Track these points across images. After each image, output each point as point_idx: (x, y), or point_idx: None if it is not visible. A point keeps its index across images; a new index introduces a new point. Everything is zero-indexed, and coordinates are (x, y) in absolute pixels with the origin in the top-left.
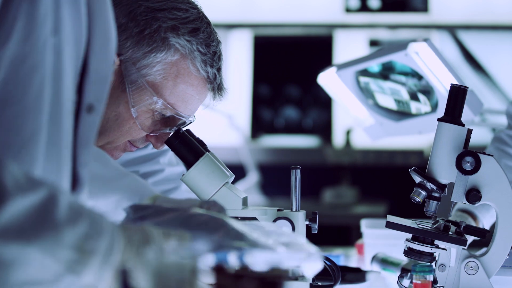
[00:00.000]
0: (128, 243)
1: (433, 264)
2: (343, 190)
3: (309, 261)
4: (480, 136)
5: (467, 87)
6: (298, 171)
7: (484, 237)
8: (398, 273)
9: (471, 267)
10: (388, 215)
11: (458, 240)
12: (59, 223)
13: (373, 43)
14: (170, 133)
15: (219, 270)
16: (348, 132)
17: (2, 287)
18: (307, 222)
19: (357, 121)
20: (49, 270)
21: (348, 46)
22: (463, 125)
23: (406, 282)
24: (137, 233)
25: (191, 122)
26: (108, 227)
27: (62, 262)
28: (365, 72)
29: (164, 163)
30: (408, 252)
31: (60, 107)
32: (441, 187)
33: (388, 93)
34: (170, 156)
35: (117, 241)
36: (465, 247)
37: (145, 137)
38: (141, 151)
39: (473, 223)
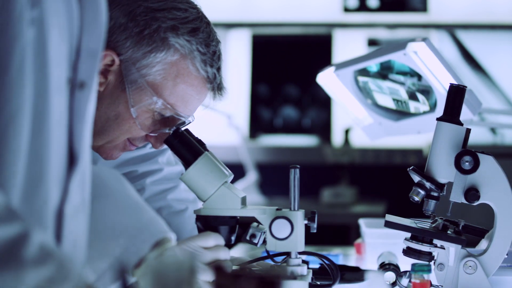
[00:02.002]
0: None
1: (431, 263)
2: (342, 189)
3: None
4: (479, 136)
5: (466, 87)
6: (297, 171)
7: (483, 237)
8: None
9: (470, 266)
10: (387, 215)
11: (457, 239)
12: (25, 263)
13: (372, 42)
14: (170, 133)
15: (218, 269)
16: (347, 132)
17: None
18: (306, 222)
19: (356, 121)
20: None
21: (347, 46)
22: (461, 124)
23: (405, 281)
24: None
25: (190, 122)
26: (75, 274)
27: None
28: (364, 72)
29: (162, 163)
30: (407, 251)
31: (46, 83)
32: (440, 186)
33: (386, 93)
34: (168, 155)
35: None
36: (464, 246)
37: (144, 136)
38: (139, 150)
39: None
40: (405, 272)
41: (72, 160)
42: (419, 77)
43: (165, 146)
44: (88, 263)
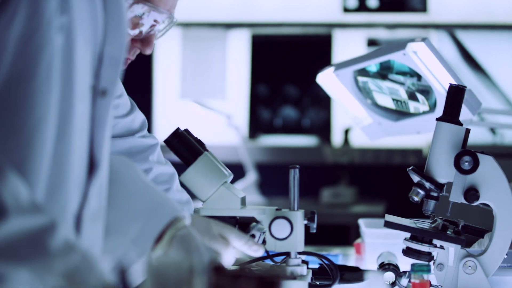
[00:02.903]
0: None
1: (431, 263)
2: (342, 189)
3: None
4: (479, 136)
5: (466, 87)
6: (297, 171)
7: (482, 237)
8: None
9: (469, 266)
10: (386, 215)
11: (456, 239)
12: (52, 252)
13: (372, 42)
14: (154, 34)
15: (217, 269)
16: (346, 132)
17: None
18: (305, 222)
19: (355, 121)
20: None
21: (347, 46)
22: (461, 124)
23: (404, 281)
24: None
25: (172, 23)
26: (98, 267)
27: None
28: (363, 72)
29: (153, 161)
30: (407, 251)
31: (71, 90)
32: (440, 186)
33: (386, 93)
34: (158, 153)
35: (103, 282)
36: (463, 246)
37: (131, 44)
38: (126, 141)
39: None
40: (405, 272)
41: (92, 166)
42: (419, 77)
43: (154, 142)
44: (105, 248)
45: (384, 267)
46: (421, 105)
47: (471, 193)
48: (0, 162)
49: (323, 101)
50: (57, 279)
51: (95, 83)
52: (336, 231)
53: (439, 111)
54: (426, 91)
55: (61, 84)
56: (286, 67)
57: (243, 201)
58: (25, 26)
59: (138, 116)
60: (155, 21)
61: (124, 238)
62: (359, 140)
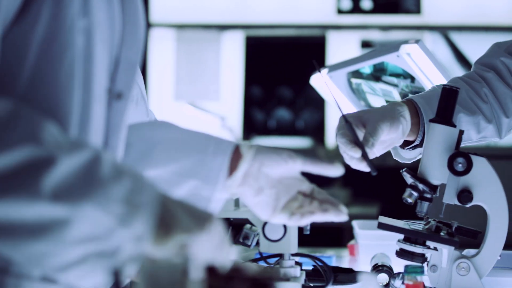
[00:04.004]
0: (166, 198)
1: (425, 265)
2: (335, 191)
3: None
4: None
5: (459, 88)
6: None
7: (476, 238)
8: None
9: (463, 268)
10: (380, 216)
11: (450, 241)
12: (106, 180)
13: (365, 44)
14: None
15: (211, 271)
16: None
17: (59, 247)
18: None
19: None
20: (102, 225)
21: (341, 48)
22: (454, 126)
23: (398, 283)
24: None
25: None
26: (149, 183)
27: (114, 215)
28: (357, 74)
29: None
30: (400, 253)
31: (90, 92)
32: (433, 188)
33: (380, 95)
34: None
35: (158, 195)
36: (457, 248)
37: None
38: None
39: None
40: (398, 273)
41: None
42: (412, 79)
43: None
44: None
45: (377, 268)
46: None
47: (465, 194)
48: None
49: (317, 103)
50: (118, 205)
51: (111, 86)
52: (330, 233)
53: None
54: (420, 93)
55: (82, 86)
56: (280, 69)
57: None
58: (48, 28)
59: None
60: None
61: (203, 155)
62: None
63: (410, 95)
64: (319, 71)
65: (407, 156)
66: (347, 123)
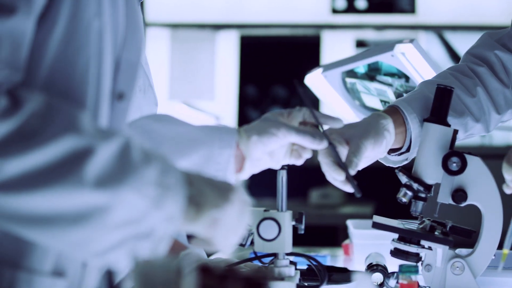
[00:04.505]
0: (189, 176)
1: (419, 264)
2: (330, 190)
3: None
4: None
5: (453, 88)
6: (285, 172)
7: (470, 238)
8: None
9: (457, 267)
10: (374, 216)
11: (444, 240)
12: (138, 164)
13: (360, 44)
14: None
15: (205, 270)
16: None
17: (100, 233)
18: (293, 223)
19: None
20: (138, 208)
21: (335, 47)
22: (449, 125)
23: (392, 282)
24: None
25: None
26: (173, 164)
27: (149, 198)
28: (351, 73)
29: None
30: (395, 252)
31: (100, 91)
32: (427, 187)
33: (374, 94)
34: None
35: (183, 174)
36: (451, 247)
37: None
38: None
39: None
40: (393, 273)
41: None
42: (407, 78)
43: None
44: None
45: (372, 268)
46: None
47: (459, 194)
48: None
49: (312, 102)
50: (151, 188)
51: (113, 86)
52: (325, 232)
53: None
54: None
55: (96, 86)
56: (274, 68)
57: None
58: (66, 29)
59: None
60: None
61: (210, 150)
62: None
63: (396, 100)
64: (299, 90)
65: (393, 159)
66: (331, 145)
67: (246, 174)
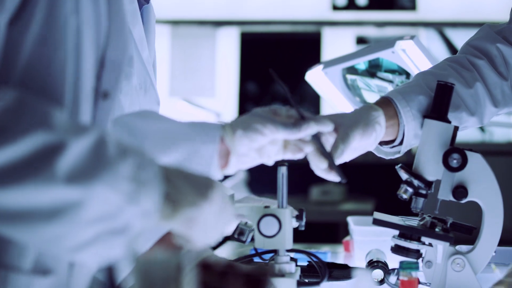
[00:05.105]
0: (167, 171)
1: (419, 260)
2: (331, 187)
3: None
4: (468, 133)
5: (454, 84)
6: (285, 168)
7: (471, 234)
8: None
9: (458, 263)
10: (375, 212)
11: (445, 236)
12: (113, 159)
13: (361, 40)
14: None
15: (205, 267)
16: None
17: (74, 229)
18: (294, 219)
19: None
20: (112, 203)
21: (336, 44)
22: (449, 122)
23: (393, 279)
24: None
25: None
26: (151, 158)
27: (123, 193)
28: (352, 70)
29: None
30: (395, 249)
31: (80, 91)
32: (428, 184)
33: (375, 91)
34: None
35: (160, 169)
36: (451, 244)
37: None
38: None
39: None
40: (393, 269)
41: None
42: (408, 75)
43: None
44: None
45: (372, 264)
46: None
47: (460, 190)
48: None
49: (312, 99)
50: (126, 183)
51: (97, 85)
52: (325, 229)
53: None
54: None
55: (73, 84)
56: (275, 65)
57: (231, 199)
58: (42, 28)
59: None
60: None
61: (193, 145)
62: None
63: (389, 91)
64: (277, 81)
65: (386, 151)
66: (313, 137)
67: (232, 170)
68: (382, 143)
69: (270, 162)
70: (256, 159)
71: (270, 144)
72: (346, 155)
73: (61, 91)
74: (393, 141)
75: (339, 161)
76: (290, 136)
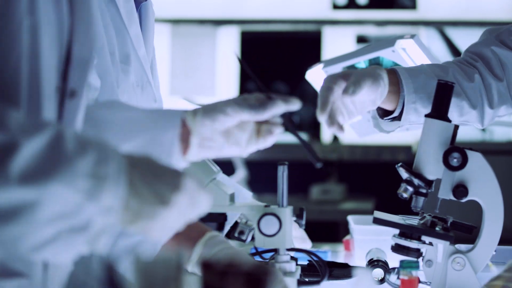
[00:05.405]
0: (132, 165)
1: (420, 260)
2: (331, 186)
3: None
4: (468, 132)
5: (454, 83)
6: (285, 167)
7: (471, 233)
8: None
9: (458, 262)
10: (375, 211)
11: (445, 236)
12: (71, 155)
13: (361, 39)
14: None
15: (206, 266)
16: None
17: (31, 229)
18: (294, 218)
19: None
20: (71, 202)
21: (336, 43)
22: (450, 121)
23: (393, 278)
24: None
25: None
26: (114, 151)
27: (81, 191)
28: (352, 69)
29: None
30: (395, 248)
31: (39, 90)
32: (428, 183)
33: None
34: None
35: (123, 163)
36: (452, 243)
37: None
38: None
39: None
40: (394, 268)
41: None
42: None
43: None
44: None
45: (373, 263)
46: None
47: (460, 189)
48: None
49: (312, 98)
50: (84, 180)
51: (62, 84)
52: (325, 228)
53: None
54: None
55: (29, 84)
56: (275, 64)
57: (232, 198)
58: None
59: None
60: None
61: (153, 132)
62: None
63: (394, 66)
64: (243, 64)
65: (386, 128)
66: (283, 117)
67: (196, 156)
68: (382, 113)
69: (243, 153)
70: (224, 146)
71: (239, 130)
72: (355, 109)
73: (17, 90)
74: (391, 112)
75: (351, 117)
76: (256, 117)
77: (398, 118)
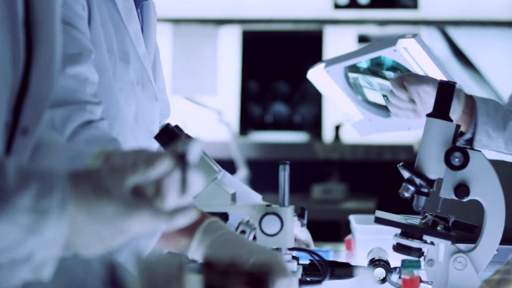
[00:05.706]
0: (79, 193)
1: (421, 259)
2: (332, 185)
3: None
4: None
5: (456, 83)
6: (287, 167)
7: (472, 233)
8: None
9: (460, 262)
10: (377, 211)
11: (447, 235)
12: (10, 190)
13: (362, 39)
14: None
15: (207, 265)
16: (337, 128)
17: None
18: (295, 218)
19: (346, 117)
20: (11, 238)
21: (337, 42)
22: (451, 120)
23: (394, 277)
24: (87, 183)
25: None
26: (58, 182)
27: (22, 226)
28: (354, 68)
29: None
30: (397, 247)
31: None
32: (430, 182)
33: (377, 89)
34: None
35: (68, 194)
36: (453, 242)
37: None
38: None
39: None
40: (395, 268)
41: None
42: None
43: None
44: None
45: (374, 263)
46: None
47: (461, 189)
48: None
49: (314, 98)
50: (25, 215)
51: (13, 120)
52: (327, 227)
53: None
54: None
55: None
56: (277, 64)
57: (233, 197)
58: None
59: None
60: None
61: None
62: (349, 136)
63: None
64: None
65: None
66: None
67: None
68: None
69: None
70: None
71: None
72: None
73: None
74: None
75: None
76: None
77: (470, 142)
